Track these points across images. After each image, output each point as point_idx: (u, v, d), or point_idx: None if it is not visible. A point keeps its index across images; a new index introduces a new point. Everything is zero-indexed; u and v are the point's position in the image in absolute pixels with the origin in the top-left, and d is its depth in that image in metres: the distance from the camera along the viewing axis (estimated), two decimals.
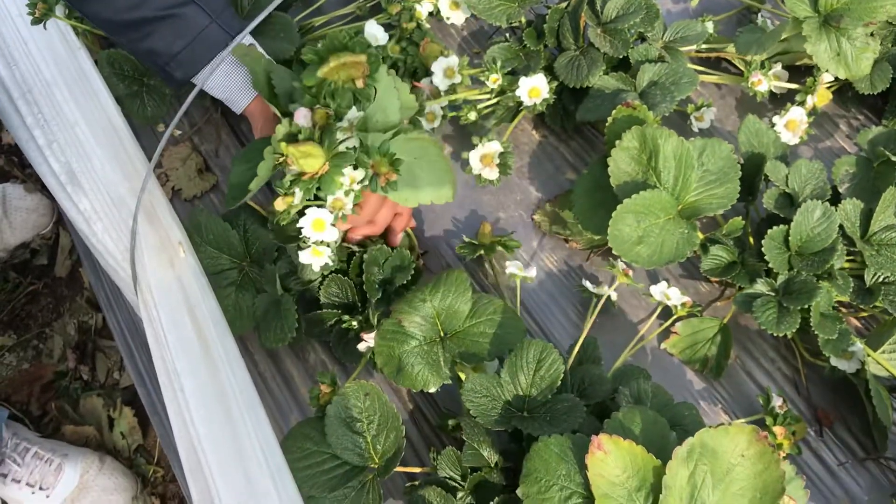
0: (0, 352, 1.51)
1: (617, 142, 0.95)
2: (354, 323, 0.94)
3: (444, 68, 1.10)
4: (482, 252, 1.03)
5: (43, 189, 1.57)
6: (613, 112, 0.99)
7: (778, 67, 1.15)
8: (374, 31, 1.09)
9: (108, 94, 1.10)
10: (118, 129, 1.07)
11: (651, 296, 0.98)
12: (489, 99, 1.13)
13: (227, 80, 1.01)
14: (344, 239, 1.00)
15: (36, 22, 1.09)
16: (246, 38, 1.01)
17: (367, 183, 0.88)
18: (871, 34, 1.06)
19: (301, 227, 0.88)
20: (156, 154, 0.90)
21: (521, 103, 1.10)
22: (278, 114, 0.92)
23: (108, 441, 1.37)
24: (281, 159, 0.85)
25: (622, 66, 1.12)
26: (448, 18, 1.21)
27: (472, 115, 1.12)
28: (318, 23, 1.19)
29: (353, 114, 0.87)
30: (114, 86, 1.12)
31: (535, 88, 1.08)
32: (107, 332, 1.49)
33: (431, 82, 1.12)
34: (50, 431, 1.40)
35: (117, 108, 1.11)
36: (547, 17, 1.12)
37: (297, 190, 0.86)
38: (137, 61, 1.14)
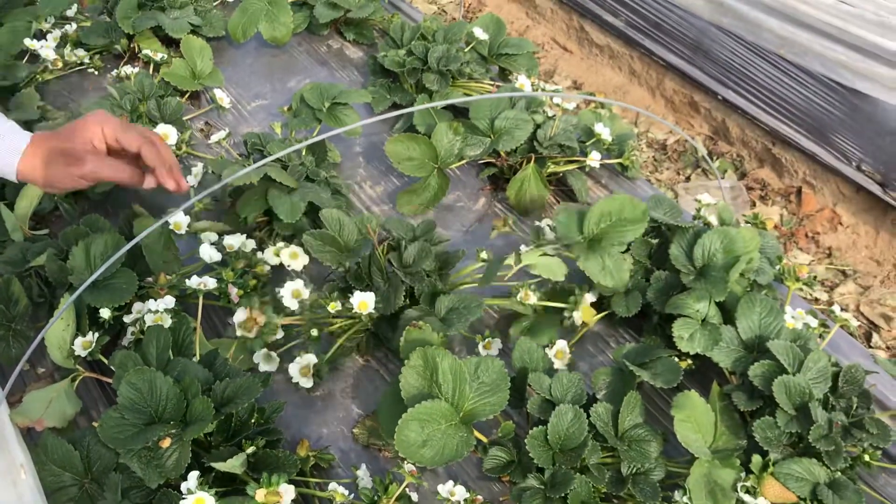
0: None
1: (406, 361, 1.14)
2: None
3: (292, 290, 1.31)
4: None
5: None
6: (404, 333, 1.20)
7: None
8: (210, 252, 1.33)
9: None
10: None
11: (439, 494, 1.13)
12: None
13: None
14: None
15: None
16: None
17: None
18: (625, 251, 1.35)
19: None
20: (7, 385, 1.06)
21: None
22: None
23: None
24: None
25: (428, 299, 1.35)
26: (290, 266, 1.44)
27: (314, 332, 1.30)
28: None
29: None
30: None
31: (363, 302, 1.28)
32: None
33: None
34: None
35: None
36: (360, 264, 1.36)
37: None
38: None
